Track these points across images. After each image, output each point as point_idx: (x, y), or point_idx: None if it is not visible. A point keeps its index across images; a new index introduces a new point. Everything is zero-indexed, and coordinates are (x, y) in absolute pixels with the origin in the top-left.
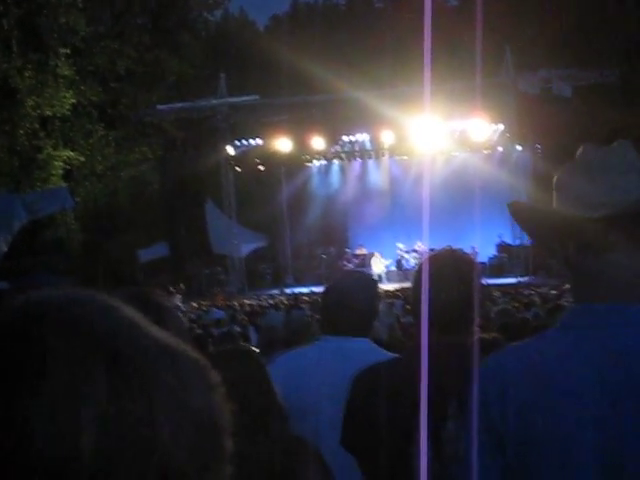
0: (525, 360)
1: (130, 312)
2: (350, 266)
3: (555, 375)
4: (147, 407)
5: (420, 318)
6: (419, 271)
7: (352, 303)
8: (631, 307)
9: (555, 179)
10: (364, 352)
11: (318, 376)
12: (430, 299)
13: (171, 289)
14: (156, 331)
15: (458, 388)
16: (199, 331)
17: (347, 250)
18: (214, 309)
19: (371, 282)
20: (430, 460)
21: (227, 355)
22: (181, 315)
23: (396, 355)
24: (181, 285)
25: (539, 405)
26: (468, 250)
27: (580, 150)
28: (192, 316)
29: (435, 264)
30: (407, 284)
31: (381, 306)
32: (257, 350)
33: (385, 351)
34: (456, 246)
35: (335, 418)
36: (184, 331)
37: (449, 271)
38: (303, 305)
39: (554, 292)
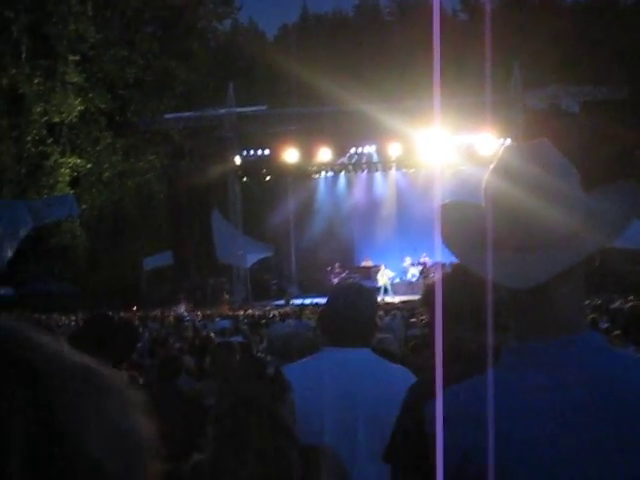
0: (470, 401)
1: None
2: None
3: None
4: (73, 429)
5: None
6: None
7: (353, 314)
8: (574, 339)
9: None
10: (366, 363)
11: (321, 388)
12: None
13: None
14: (71, 351)
15: None
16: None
17: (335, 265)
18: (219, 319)
19: (370, 294)
20: None
21: (244, 366)
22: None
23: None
24: (186, 294)
25: (485, 451)
26: None
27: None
28: (197, 324)
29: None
30: (412, 296)
31: (391, 319)
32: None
33: (388, 362)
34: None
35: (338, 430)
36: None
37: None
38: (308, 316)
39: None
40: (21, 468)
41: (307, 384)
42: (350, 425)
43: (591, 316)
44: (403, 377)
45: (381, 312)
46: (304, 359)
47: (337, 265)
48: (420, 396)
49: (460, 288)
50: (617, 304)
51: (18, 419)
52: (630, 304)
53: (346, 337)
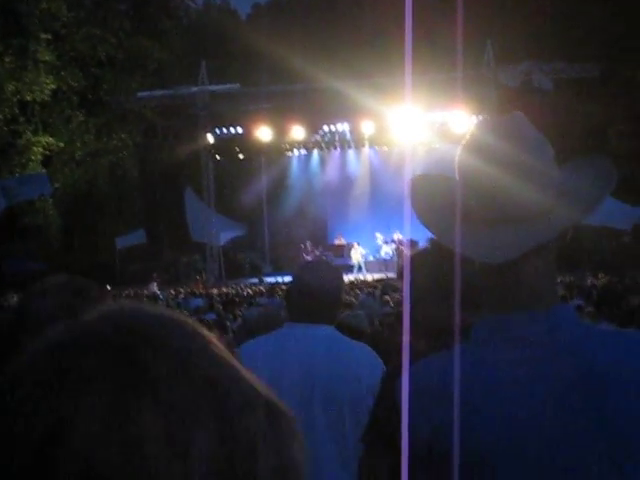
0: (437, 376)
1: (220, 345)
2: (309, 257)
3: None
4: (250, 465)
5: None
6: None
7: (317, 291)
8: (545, 313)
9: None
10: (328, 339)
11: (282, 362)
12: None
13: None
14: (247, 372)
15: None
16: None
17: (307, 243)
18: (192, 297)
19: (336, 271)
20: None
21: None
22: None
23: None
24: (159, 272)
25: (453, 426)
26: None
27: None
28: (171, 303)
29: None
30: (385, 274)
31: (365, 297)
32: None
33: (349, 339)
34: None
35: (297, 404)
36: None
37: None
38: (281, 294)
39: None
40: None
41: (267, 358)
42: (306, 401)
43: (561, 293)
44: (363, 355)
45: (357, 290)
46: (265, 335)
47: (308, 243)
48: (396, 377)
49: (439, 263)
50: (589, 281)
51: (201, 454)
52: (603, 281)
53: (309, 313)
